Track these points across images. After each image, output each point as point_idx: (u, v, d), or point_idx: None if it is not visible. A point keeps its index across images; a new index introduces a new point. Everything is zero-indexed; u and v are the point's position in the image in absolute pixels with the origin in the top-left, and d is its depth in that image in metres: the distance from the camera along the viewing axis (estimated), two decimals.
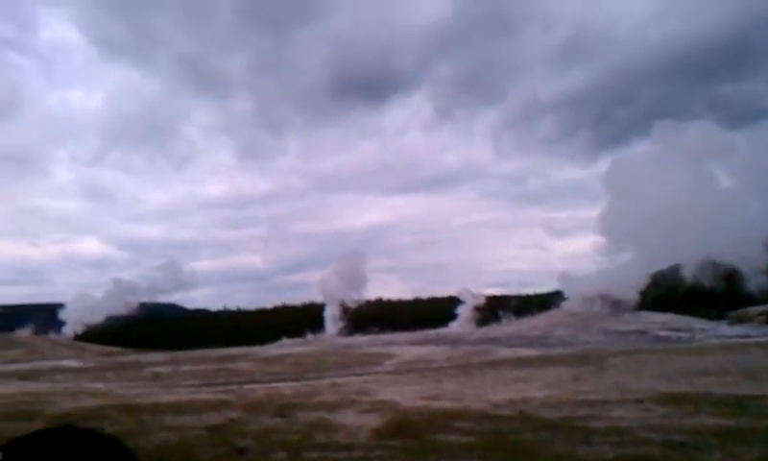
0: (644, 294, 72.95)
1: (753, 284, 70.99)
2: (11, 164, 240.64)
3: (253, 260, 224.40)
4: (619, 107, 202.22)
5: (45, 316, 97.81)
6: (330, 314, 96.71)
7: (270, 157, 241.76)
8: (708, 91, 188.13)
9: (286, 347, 67.07)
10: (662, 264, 75.21)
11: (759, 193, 74.81)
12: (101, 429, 0.89)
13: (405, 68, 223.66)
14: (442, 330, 76.96)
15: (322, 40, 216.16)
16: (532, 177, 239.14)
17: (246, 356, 50.22)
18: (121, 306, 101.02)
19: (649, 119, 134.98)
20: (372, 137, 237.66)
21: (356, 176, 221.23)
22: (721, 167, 79.18)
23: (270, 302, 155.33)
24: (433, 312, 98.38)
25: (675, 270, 74.69)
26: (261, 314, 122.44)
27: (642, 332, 53.38)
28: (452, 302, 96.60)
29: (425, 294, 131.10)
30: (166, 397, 22.80)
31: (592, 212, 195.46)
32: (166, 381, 33.32)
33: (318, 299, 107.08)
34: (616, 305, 70.41)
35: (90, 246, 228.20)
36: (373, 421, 14.75)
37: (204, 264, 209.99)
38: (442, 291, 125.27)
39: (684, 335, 50.46)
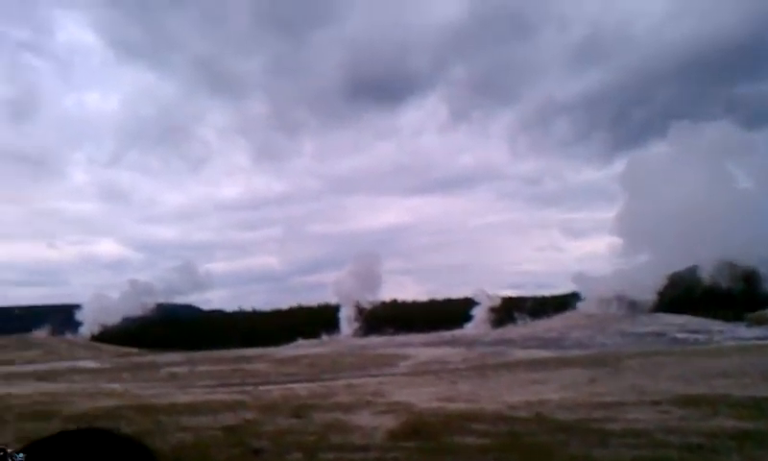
0: (661, 295, 72.45)
1: None
2: (28, 166, 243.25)
3: (269, 261, 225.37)
4: (635, 107, 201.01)
5: (62, 317, 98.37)
6: (345, 315, 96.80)
7: (285, 158, 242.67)
8: (725, 91, 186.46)
9: (301, 348, 67.15)
10: (680, 265, 74.70)
11: None
12: (123, 431, 0.88)
13: (420, 70, 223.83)
14: (457, 332, 76.72)
15: (337, 42, 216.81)
16: (548, 178, 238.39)
17: (261, 357, 50.35)
18: (137, 307, 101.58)
19: (665, 120, 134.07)
20: (388, 139, 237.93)
21: (371, 177, 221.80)
22: (739, 168, 78.65)
23: (285, 303, 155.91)
24: (448, 314, 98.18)
25: (692, 271, 74.17)
26: (276, 315, 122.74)
27: (659, 334, 53.03)
28: (467, 303, 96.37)
29: (441, 295, 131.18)
30: (182, 397, 22.89)
31: (609, 213, 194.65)
32: (182, 382, 33.45)
33: (333, 300, 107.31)
34: (633, 307, 69.94)
35: (107, 247, 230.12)
36: (389, 422, 14.73)
37: (219, 265, 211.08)
38: (457, 292, 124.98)
39: (702, 337, 50.10)
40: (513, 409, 16.47)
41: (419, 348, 52.52)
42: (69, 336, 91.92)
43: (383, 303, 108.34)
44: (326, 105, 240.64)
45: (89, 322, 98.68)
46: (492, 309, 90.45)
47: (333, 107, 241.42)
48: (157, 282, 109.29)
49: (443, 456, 10.99)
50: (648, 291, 70.92)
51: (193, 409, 18.57)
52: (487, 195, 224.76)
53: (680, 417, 14.33)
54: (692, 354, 32.24)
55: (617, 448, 11.18)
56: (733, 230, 67.17)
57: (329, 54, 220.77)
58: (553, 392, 20.28)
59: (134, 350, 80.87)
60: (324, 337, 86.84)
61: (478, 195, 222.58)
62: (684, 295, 74.74)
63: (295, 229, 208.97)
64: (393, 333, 79.67)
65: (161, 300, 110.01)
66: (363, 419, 15.70)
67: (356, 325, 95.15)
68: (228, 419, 16.27)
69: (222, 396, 23.33)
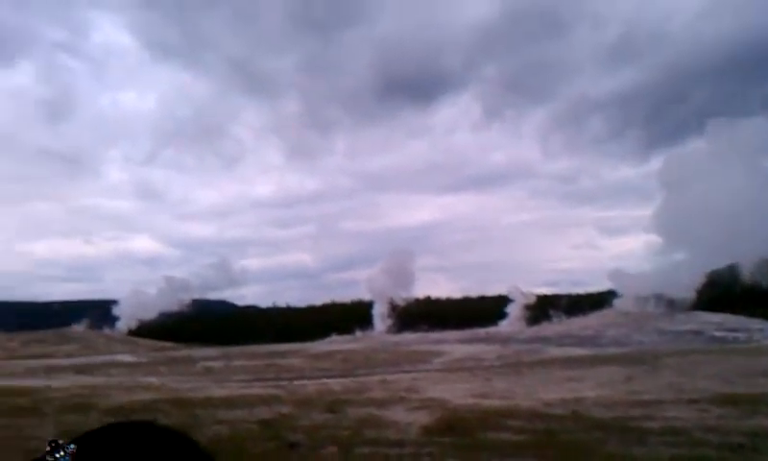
0: (700, 293, 71.35)
1: None
2: (65, 165, 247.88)
3: (303, 258, 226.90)
4: (671, 105, 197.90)
5: (99, 312, 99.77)
6: (378, 312, 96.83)
7: (318, 156, 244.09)
8: (762, 88, 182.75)
9: (335, 343, 67.36)
10: (719, 263, 73.54)
11: None
12: (174, 426, 0.88)
13: (453, 68, 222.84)
14: (491, 329, 76.35)
15: (369, 41, 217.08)
16: (582, 176, 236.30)
17: (296, 352, 50.62)
18: (173, 303, 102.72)
19: (701, 117, 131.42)
20: (421, 137, 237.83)
21: (404, 175, 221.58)
22: None
23: (319, 299, 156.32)
24: (482, 311, 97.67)
25: (732, 269, 72.97)
26: (310, 311, 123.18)
27: (698, 333, 52.22)
28: (502, 300, 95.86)
29: (474, 293, 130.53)
30: (218, 391, 23.09)
31: (645, 211, 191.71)
32: (218, 376, 33.77)
33: (366, 296, 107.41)
34: (671, 305, 68.95)
35: (143, 244, 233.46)
36: (423, 418, 14.72)
37: (253, 262, 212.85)
38: (491, 290, 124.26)
39: (741, 336, 49.24)
40: (549, 406, 16.35)
41: (453, 345, 52.35)
42: (107, 331, 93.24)
43: (416, 300, 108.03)
44: (359, 103, 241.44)
45: (126, 317, 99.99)
46: (527, 307, 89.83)
47: (366, 105, 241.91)
48: (193, 279, 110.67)
49: (477, 452, 10.95)
50: (686, 289, 69.87)
51: (229, 403, 18.74)
52: (520, 193, 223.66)
53: (718, 416, 14.11)
54: (731, 353, 31.72)
55: (656, 446, 11.05)
56: None
57: (361, 52, 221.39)
58: (590, 389, 20.10)
59: (171, 344, 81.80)
60: (358, 333, 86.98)
61: (511, 193, 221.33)
62: (723, 293, 73.52)
63: (328, 226, 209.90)
64: (426, 330, 79.46)
65: (197, 296, 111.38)
66: (397, 414, 15.70)
67: (389, 321, 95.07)
68: (264, 413, 16.38)
69: (257, 390, 23.51)
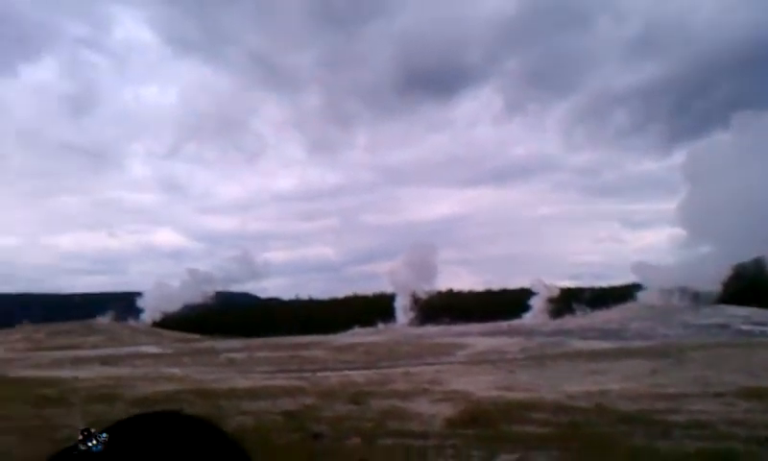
0: (726, 287, 70.63)
1: None
2: (89, 159, 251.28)
3: (325, 251, 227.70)
4: (695, 98, 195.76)
5: (124, 304, 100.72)
6: (401, 304, 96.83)
7: (339, 150, 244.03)
8: None
9: (358, 336, 67.46)
10: (745, 256, 72.70)
11: None
12: (207, 416, 0.88)
13: (474, 62, 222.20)
14: (514, 322, 76.12)
15: (389, 35, 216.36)
16: (605, 169, 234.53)
17: (319, 344, 50.78)
18: (197, 295, 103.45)
19: (726, 110, 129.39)
20: (442, 131, 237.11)
21: (425, 169, 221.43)
22: None
23: (341, 291, 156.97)
24: (505, 304, 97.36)
25: (758, 262, 72.09)
26: (333, 303, 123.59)
27: (723, 326, 51.71)
28: (525, 293, 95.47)
29: (497, 286, 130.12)
30: (242, 382, 23.26)
31: (669, 204, 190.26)
32: (241, 367, 33.97)
33: (388, 289, 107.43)
34: (696, 298, 68.35)
35: (165, 237, 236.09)
36: (447, 410, 14.72)
37: (276, 255, 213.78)
38: (513, 283, 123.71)
39: None
40: (572, 399, 16.29)
41: (475, 337, 52.25)
42: (131, 322, 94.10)
43: (439, 293, 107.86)
44: (380, 97, 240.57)
45: (150, 309, 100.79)
46: (550, 300, 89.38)
47: (386, 99, 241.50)
48: (216, 271, 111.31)
49: (501, 444, 10.93)
50: (712, 282, 69.19)
51: (253, 394, 18.87)
52: (542, 186, 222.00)
53: (745, 409, 13.98)
54: (757, 346, 31.36)
55: (681, 439, 10.97)
56: None
57: (382, 47, 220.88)
58: (614, 383, 19.99)
59: (194, 336, 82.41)
60: (380, 326, 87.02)
61: (533, 186, 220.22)
62: (749, 286, 72.69)
63: (349, 219, 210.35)
64: (449, 323, 79.39)
65: (220, 288, 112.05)
66: (421, 406, 15.73)
67: (412, 314, 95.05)
68: (288, 404, 16.48)
69: (281, 381, 23.64)
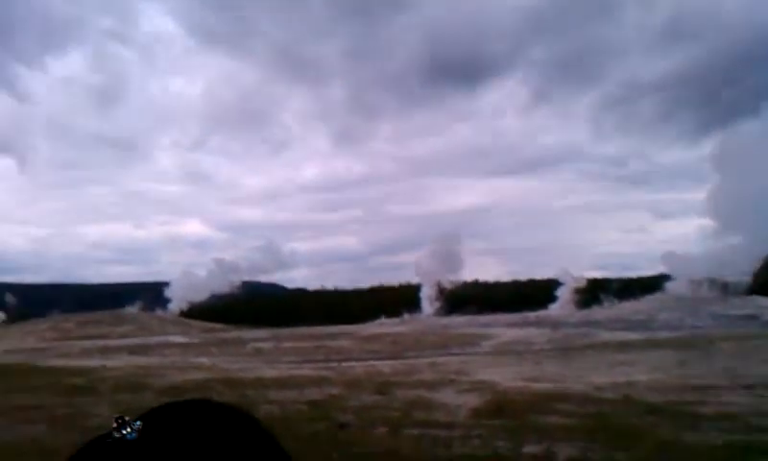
0: (756, 277, 69.69)
1: None
2: (117, 150, 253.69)
3: (350, 241, 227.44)
4: (724, 86, 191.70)
5: (152, 294, 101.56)
6: (426, 295, 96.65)
7: (364, 141, 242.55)
8: None
9: (384, 326, 67.51)
10: None
11: None
12: (240, 406, 0.90)
13: (500, 51, 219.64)
14: (541, 313, 75.68)
15: (415, 25, 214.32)
16: (633, 158, 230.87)
17: (345, 334, 50.91)
18: (224, 285, 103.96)
19: (755, 99, 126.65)
20: (467, 120, 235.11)
21: (450, 159, 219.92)
22: None
23: (366, 282, 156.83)
24: (532, 294, 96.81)
25: None
26: (358, 294, 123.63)
27: (753, 317, 51.08)
28: (551, 284, 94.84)
29: (523, 276, 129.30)
30: (268, 372, 23.41)
31: (698, 194, 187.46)
32: (268, 357, 34.20)
33: (414, 279, 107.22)
34: (725, 289, 67.53)
35: (192, 227, 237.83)
36: (473, 400, 14.73)
37: (301, 245, 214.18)
38: (540, 274, 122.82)
39: None
40: (599, 390, 16.20)
41: (502, 328, 52.08)
42: (159, 312, 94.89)
43: (465, 283, 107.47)
44: (404, 87, 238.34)
45: (178, 298, 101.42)
46: (577, 290, 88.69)
47: (411, 89, 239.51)
48: (242, 261, 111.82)
49: (527, 435, 10.91)
50: (742, 273, 68.32)
51: (279, 384, 19.00)
52: (569, 176, 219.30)
53: None
54: None
55: (709, 431, 10.88)
56: None
57: (407, 36, 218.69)
58: (641, 374, 19.85)
59: (221, 325, 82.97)
60: (406, 316, 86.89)
61: (560, 176, 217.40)
62: None
63: (375, 210, 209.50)
64: (475, 313, 79.14)
65: (246, 278, 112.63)
66: (447, 397, 15.74)
67: (437, 304, 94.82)
68: (314, 393, 16.58)
69: (307, 371, 23.77)
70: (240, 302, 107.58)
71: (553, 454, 9.77)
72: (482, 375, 20.84)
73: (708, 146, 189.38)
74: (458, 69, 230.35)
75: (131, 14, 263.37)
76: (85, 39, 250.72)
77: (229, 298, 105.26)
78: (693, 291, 69.08)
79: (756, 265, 69.43)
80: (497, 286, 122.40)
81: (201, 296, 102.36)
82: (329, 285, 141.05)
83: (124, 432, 0.77)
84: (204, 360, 31.19)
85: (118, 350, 39.39)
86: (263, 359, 32.71)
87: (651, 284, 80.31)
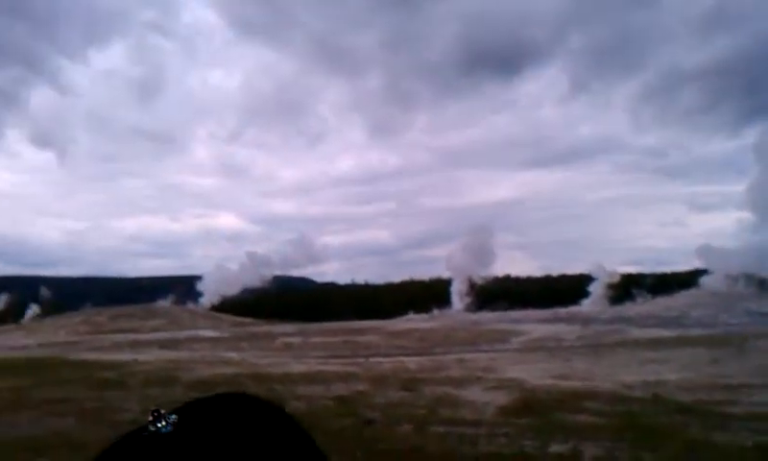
0: None
1: None
2: (154, 143, 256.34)
3: (382, 235, 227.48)
4: (767, 75, 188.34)
5: (185, 287, 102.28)
6: (457, 290, 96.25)
7: (399, 132, 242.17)
8: None
9: (412, 321, 67.48)
10: None
11: None
12: (275, 401, 0.96)
13: (539, 40, 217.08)
14: (572, 309, 75.10)
15: (452, 14, 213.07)
16: (672, 149, 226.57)
17: (373, 330, 50.94)
18: (255, 279, 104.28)
19: None
20: (504, 111, 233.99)
21: (486, 150, 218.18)
22: None
23: (397, 276, 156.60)
24: (564, 290, 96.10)
25: None
26: (388, 288, 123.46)
27: None
28: (584, 279, 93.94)
29: (556, 271, 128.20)
30: (296, 367, 23.57)
31: (737, 186, 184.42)
32: (297, 352, 34.40)
33: (445, 274, 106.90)
34: (762, 285, 66.41)
35: (226, 220, 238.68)
36: (500, 398, 14.72)
37: (334, 239, 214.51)
38: (573, 268, 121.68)
39: None
40: (629, 389, 16.10)
41: (532, 324, 51.77)
42: (191, 306, 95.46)
43: (496, 278, 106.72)
44: (441, 77, 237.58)
45: (210, 292, 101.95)
46: (610, 286, 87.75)
47: (448, 79, 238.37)
48: (274, 255, 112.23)
49: (554, 434, 10.89)
50: None
51: (307, 379, 19.13)
52: (606, 167, 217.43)
53: None
54: None
55: (739, 431, 10.78)
56: None
57: (445, 26, 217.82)
58: (672, 372, 19.66)
59: (251, 320, 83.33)
60: (436, 311, 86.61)
61: (597, 168, 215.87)
62: None
63: (408, 202, 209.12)
64: (505, 309, 78.68)
65: (278, 272, 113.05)
66: (474, 394, 15.74)
67: (468, 300, 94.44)
68: (341, 389, 16.67)
69: (334, 367, 23.88)
70: (271, 296, 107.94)
71: (579, 453, 9.74)
72: (510, 372, 20.80)
73: (749, 137, 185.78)
74: (495, 59, 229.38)
75: (172, 6, 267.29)
76: (128, 32, 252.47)
77: (260, 292, 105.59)
78: (729, 287, 68.01)
79: None
80: (529, 281, 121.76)
81: (233, 290, 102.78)
82: (360, 279, 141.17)
83: (159, 425, 0.83)
84: (233, 355, 31.44)
85: (149, 344, 39.86)
86: (292, 354, 32.91)
87: (686, 280, 79.30)
